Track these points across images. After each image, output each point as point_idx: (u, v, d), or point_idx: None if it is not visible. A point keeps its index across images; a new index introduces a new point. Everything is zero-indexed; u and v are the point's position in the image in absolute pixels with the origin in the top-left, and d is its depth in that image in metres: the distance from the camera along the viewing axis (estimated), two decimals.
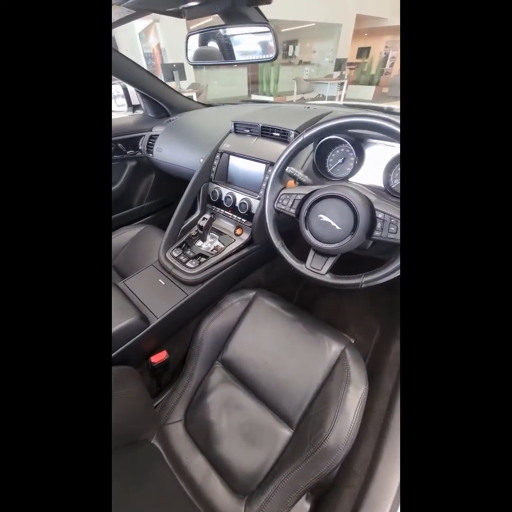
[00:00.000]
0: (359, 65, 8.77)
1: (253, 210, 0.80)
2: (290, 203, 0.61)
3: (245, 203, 0.80)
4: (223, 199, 0.87)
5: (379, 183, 0.68)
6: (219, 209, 0.89)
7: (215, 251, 0.80)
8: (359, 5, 7.10)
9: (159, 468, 0.57)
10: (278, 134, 0.79)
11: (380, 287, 0.53)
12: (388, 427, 0.55)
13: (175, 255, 0.79)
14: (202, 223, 0.81)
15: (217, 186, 0.89)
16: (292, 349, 0.68)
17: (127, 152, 1.29)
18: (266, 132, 0.82)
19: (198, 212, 0.93)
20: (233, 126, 0.90)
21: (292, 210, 0.61)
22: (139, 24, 6.24)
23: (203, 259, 0.78)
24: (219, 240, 0.84)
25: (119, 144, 1.25)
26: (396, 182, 0.67)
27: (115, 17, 0.69)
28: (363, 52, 10.26)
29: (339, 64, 6.94)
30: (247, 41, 0.74)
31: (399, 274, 0.51)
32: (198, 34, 0.80)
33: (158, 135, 1.23)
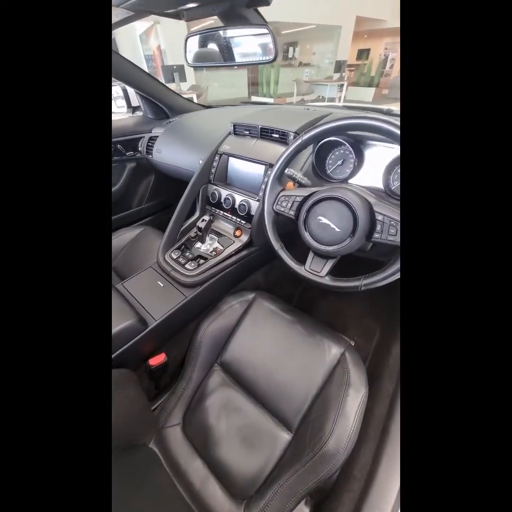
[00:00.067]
0: (359, 66, 8.80)
1: (253, 212, 0.79)
2: (289, 205, 0.61)
3: (244, 205, 0.80)
4: (222, 200, 0.87)
5: (379, 184, 0.68)
6: (218, 210, 0.89)
7: (214, 252, 0.80)
8: (359, 7, 7.14)
9: (157, 472, 0.57)
10: (277, 136, 0.79)
11: (380, 289, 0.53)
12: (388, 431, 0.55)
13: (174, 256, 0.79)
14: (201, 224, 0.80)
15: (217, 187, 0.89)
16: (291, 352, 0.68)
17: (127, 154, 1.29)
18: (265, 133, 0.81)
19: (197, 214, 0.93)
20: (232, 127, 0.89)
21: (291, 212, 0.61)
22: (140, 26, 6.27)
23: (202, 261, 0.77)
24: (218, 242, 0.84)
25: (119, 146, 1.25)
26: (395, 184, 0.67)
27: (114, 18, 0.69)
28: (363, 53, 10.32)
29: (339, 66, 6.97)
30: (247, 42, 0.74)
31: (399, 276, 0.50)
32: (197, 36, 0.80)
33: (157, 136, 1.23)
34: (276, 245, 0.64)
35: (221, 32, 0.75)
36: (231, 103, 1.42)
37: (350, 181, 0.73)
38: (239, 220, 0.83)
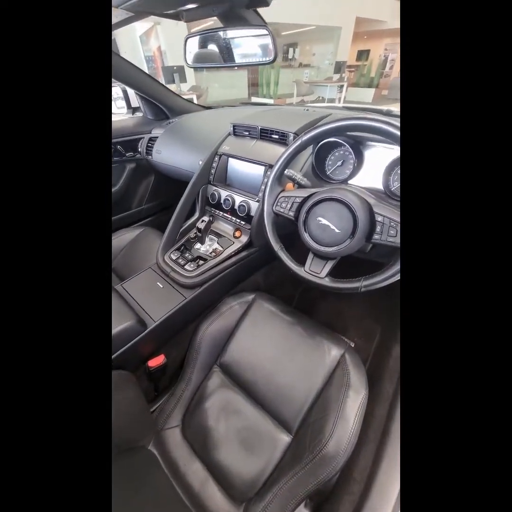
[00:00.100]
0: (358, 67, 8.81)
1: (252, 213, 0.79)
2: (288, 206, 0.61)
3: (244, 206, 0.80)
4: (222, 201, 0.86)
5: (379, 185, 0.68)
6: (218, 211, 0.89)
7: (213, 253, 0.80)
8: (358, 8, 7.15)
9: (156, 475, 0.56)
10: (277, 137, 0.78)
11: (380, 290, 0.53)
12: (388, 433, 0.55)
13: (174, 257, 0.79)
14: (201, 225, 0.80)
15: (216, 188, 0.89)
16: (291, 353, 0.67)
17: (127, 154, 1.29)
18: (265, 134, 0.81)
19: (196, 215, 0.93)
20: (232, 128, 0.89)
21: (291, 213, 0.60)
22: (140, 27, 6.28)
23: (201, 261, 0.77)
24: (217, 243, 0.83)
25: (119, 146, 1.25)
26: (395, 185, 0.66)
27: (113, 19, 0.69)
28: (362, 54, 10.33)
29: (339, 67, 6.99)
30: (246, 43, 0.74)
31: (399, 278, 0.50)
32: (197, 37, 0.80)
33: (157, 137, 1.23)
34: (276, 246, 0.64)
35: (220, 33, 0.75)
36: (232, 103, 1.42)
37: (349, 182, 0.73)
38: (238, 221, 0.83)
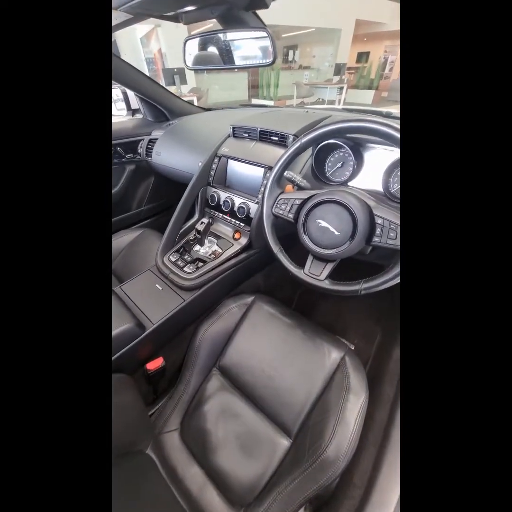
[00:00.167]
0: (358, 69, 8.83)
1: (252, 215, 0.79)
2: (288, 208, 0.61)
3: (243, 207, 0.80)
4: (221, 203, 0.86)
5: (379, 187, 0.68)
6: (217, 213, 0.89)
7: (213, 255, 0.80)
8: (358, 10, 7.18)
9: (154, 479, 0.56)
10: (276, 138, 0.78)
11: (380, 292, 0.52)
12: (389, 437, 0.54)
13: (173, 259, 0.79)
14: (200, 227, 0.80)
15: (216, 190, 0.88)
16: (290, 356, 0.67)
17: (126, 156, 1.29)
18: (264, 136, 0.81)
19: (196, 216, 0.92)
20: (231, 130, 0.89)
21: (290, 215, 0.60)
22: (141, 29, 6.31)
23: (200, 263, 0.77)
24: (217, 245, 0.83)
25: (118, 148, 1.25)
26: (395, 187, 0.66)
27: (113, 21, 0.69)
28: (362, 56, 10.37)
29: (339, 69, 7.03)
30: (246, 45, 0.74)
31: (399, 280, 0.50)
32: (197, 39, 0.80)
33: (157, 139, 1.23)
34: (275, 248, 0.64)
35: (220, 35, 0.75)
36: (232, 105, 1.42)
37: (349, 184, 0.73)
38: (238, 222, 0.83)
